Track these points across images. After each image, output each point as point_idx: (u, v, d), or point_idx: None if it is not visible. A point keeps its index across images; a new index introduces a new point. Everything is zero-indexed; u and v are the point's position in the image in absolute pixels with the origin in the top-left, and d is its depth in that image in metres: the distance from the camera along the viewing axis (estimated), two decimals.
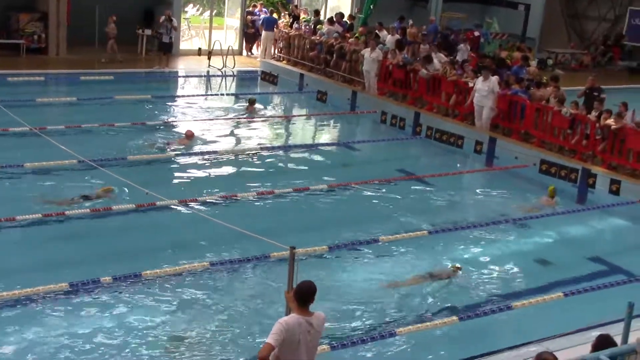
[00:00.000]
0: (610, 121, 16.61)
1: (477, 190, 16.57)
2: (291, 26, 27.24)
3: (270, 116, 21.14)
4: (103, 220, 12.50)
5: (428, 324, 9.89)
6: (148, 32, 26.73)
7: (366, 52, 22.33)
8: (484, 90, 18.73)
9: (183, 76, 25.72)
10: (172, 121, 19.65)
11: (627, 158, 16.48)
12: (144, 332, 9.38)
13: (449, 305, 10.68)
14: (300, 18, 27.99)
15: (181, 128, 18.83)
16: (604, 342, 6.87)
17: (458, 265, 11.83)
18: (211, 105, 22.04)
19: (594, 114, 17.12)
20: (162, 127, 18.77)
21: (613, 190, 14.37)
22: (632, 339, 7.82)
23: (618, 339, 8.11)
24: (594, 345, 6.95)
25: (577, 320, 9.83)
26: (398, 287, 11.10)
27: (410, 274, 11.52)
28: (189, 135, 17.61)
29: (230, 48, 26.67)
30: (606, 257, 12.94)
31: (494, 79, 18.82)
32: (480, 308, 10.54)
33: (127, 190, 13.36)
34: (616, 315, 9.01)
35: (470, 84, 19.68)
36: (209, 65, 26.16)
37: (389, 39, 23.81)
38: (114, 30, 25.02)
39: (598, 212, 15.24)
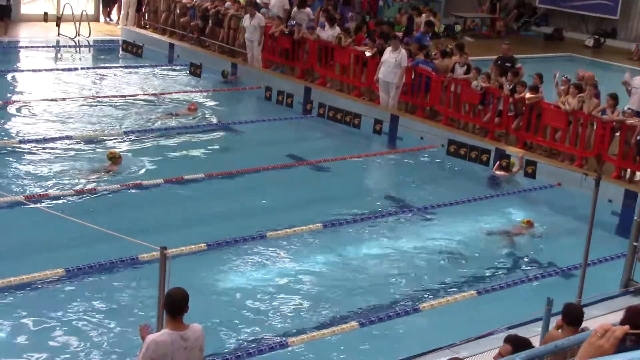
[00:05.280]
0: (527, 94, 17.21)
1: (378, 176, 16.87)
2: None
3: (135, 94, 20.83)
4: None
5: (325, 331, 10.03)
6: None
7: (246, 20, 22.37)
8: (391, 62, 19.04)
9: (26, 47, 24.98)
10: (14, 101, 19.07)
11: (544, 136, 17.16)
12: None
13: (349, 310, 10.85)
14: None
15: (27, 109, 18.34)
16: (516, 344, 7.15)
17: (528, 219, 13.30)
18: (62, 81, 21.52)
19: (507, 86, 17.69)
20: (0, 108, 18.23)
21: (529, 173, 14.88)
22: None
23: (537, 340, 8.49)
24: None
25: (492, 321, 10.16)
26: (296, 286, 11.22)
27: (300, 273, 11.66)
28: (192, 109, 19.30)
29: (84, 13, 26.08)
30: (523, 248, 13.45)
31: (404, 51, 19.15)
32: (382, 311, 10.76)
33: None
34: (536, 313, 9.38)
35: (368, 54, 20.00)
36: (59, 34, 25.52)
37: (273, 1, 23.87)
38: None
39: (513, 198, 15.80)
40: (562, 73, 18.19)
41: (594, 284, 10.63)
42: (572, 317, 8.09)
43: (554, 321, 8.73)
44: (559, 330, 8.18)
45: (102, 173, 14.72)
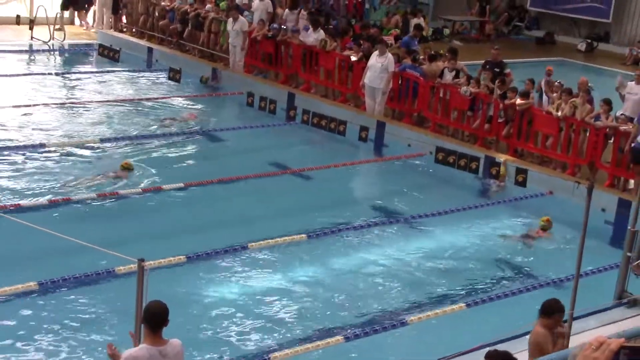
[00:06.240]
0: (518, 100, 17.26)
1: (364, 185, 16.85)
2: None
3: (111, 100, 20.78)
4: None
5: (309, 345, 10.01)
6: None
7: (229, 24, 22.39)
8: (378, 67, 19.07)
9: None
10: None
11: (535, 143, 17.22)
12: None
13: (334, 324, 10.84)
14: None
15: None
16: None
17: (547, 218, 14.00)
18: (36, 86, 21.44)
19: (497, 92, 17.74)
20: None
21: (519, 181, 14.96)
22: None
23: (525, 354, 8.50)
24: None
25: (481, 334, 10.16)
26: (279, 299, 11.20)
27: (283, 285, 11.64)
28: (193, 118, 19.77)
29: (58, 15, 26.00)
30: (513, 259, 13.47)
31: (390, 55, 19.18)
32: (369, 325, 10.75)
33: None
34: (527, 325, 9.39)
35: (354, 58, 20.04)
36: (32, 37, 25.42)
37: (256, 4, 23.84)
38: None
39: (503, 207, 15.83)
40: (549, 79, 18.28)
41: (587, 296, 10.64)
42: (545, 308, 8.59)
43: None
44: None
45: (112, 176, 15.06)
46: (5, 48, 24.96)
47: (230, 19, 22.34)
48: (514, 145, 17.47)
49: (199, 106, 21.05)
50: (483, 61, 20.08)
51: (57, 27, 25.87)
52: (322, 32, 21.40)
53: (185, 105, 21.02)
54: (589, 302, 10.81)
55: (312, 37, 21.41)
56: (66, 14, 27.96)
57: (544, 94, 18.18)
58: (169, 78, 21.22)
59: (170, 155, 17.11)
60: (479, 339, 9.78)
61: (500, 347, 8.14)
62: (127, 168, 15.34)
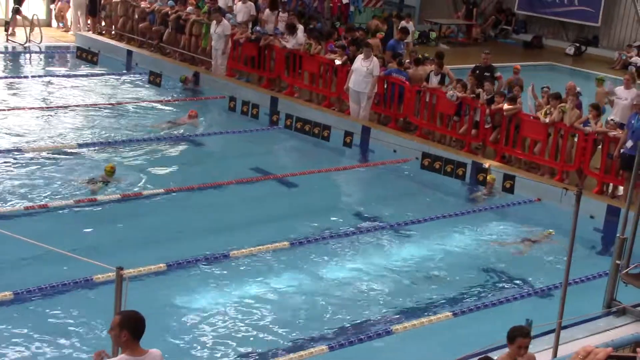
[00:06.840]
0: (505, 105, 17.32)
1: (349, 191, 16.84)
2: None
3: (89, 104, 20.71)
4: None
5: (293, 355, 10.00)
6: None
7: (212, 27, 22.40)
8: (363, 71, 19.10)
9: None
10: None
11: (523, 149, 17.28)
12: None
13: (318, 333, 10.82)
14: None
15: None
16: None
17: (551, 230, 14.34)
18: (12, 89, 21.37)
19: (484, 97, 17.78)
20: None
21: (506, 188, 14.98)
22: None
23: None
24: None
25: (468, 343, 10.18)
26: (261, 308, 11.19)
27: (265, 294, 11.63)
28: (192, 116, 19.69)
29: (35, 17, 25.93)
30: (500, 267, 13.50)
31: (376, 59, 19.21)
32: (353, 334, 10.75)
33: None
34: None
35: (338, 62, 20.06)
36: (7, 40, 25.34)
37: (239, 6, 23.85)
38: None
39: (490, 214, 15.88)
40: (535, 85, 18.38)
41: (575, 304, 10.69)
42: (507, 334, 8.45)
43: (534, 343, 8.78)
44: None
45: (99, 182, 14.96)
46: None
47: (214, 22, 22.35)
48: (501, 151, 17.53)
49: (180, 111, 21.03)
50: (472, 65, 20.12)
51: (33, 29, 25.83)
52: (300, 36, 21.37)
53: (168, 110, 20.99)
54: (577, 310, 10.84)
55: (291, 42, 21.36)
56: (42, 15, 27.87)
57: (528, 100, 18.25)
58: (150, 82, 21.13)
59: (150, 160, 17.05)
60: (465, 349, 9.80)
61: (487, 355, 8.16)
62: (111, 171, 15.28)
